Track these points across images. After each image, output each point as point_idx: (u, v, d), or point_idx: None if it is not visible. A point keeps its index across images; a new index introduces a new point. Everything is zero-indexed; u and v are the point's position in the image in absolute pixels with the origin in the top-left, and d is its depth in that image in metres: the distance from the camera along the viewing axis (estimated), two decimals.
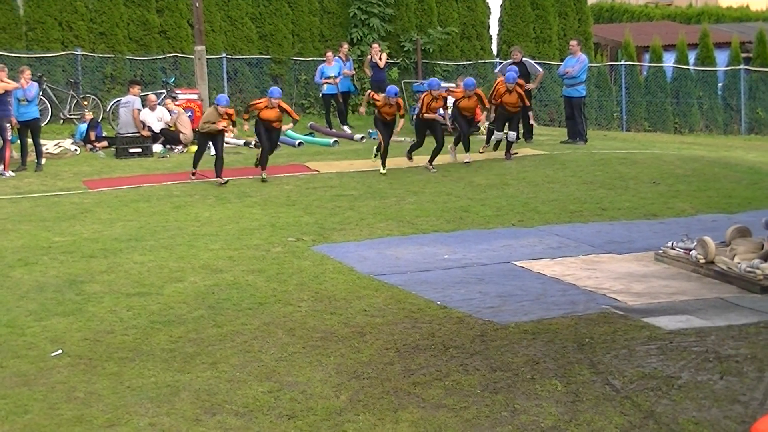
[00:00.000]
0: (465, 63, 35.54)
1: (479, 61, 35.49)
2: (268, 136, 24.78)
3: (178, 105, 28.91)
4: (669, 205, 20.79)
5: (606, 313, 14.37)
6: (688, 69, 38.23)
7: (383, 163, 24.95)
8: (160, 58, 32.87)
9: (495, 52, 36.70)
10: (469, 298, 15.12)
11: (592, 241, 18.20)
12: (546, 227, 19.25)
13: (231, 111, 24.68)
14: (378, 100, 25.55)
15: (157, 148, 27.71)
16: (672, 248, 16.98)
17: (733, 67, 38.50)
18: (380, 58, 31.69)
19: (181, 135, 28.16)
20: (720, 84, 38.44)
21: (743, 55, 39.20)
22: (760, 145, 33.72)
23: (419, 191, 22.14)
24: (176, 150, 27.92)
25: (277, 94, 24.78)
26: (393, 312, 14.55)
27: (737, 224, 17.49)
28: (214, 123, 24.19)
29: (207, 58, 30.90)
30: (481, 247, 17.80)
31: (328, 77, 30.90)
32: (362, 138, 29.76)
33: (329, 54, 31.42)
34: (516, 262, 16.92)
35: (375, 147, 26.12)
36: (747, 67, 38.39)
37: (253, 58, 34.04)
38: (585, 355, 12.88)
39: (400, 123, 25.79)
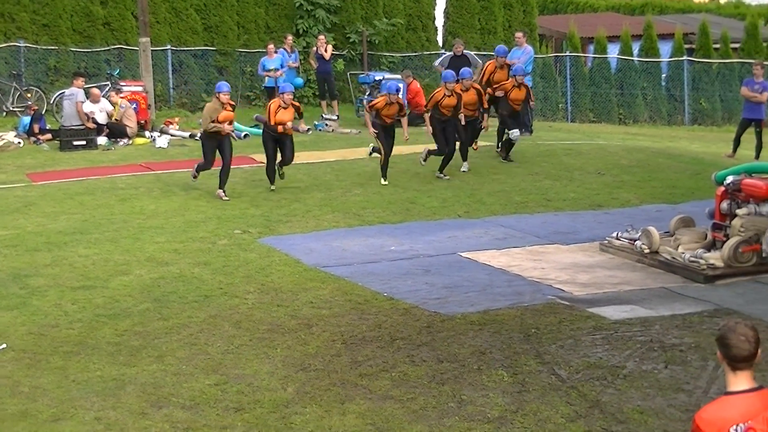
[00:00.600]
0: (411, 54, 35.62)
1: (425, 53, 35.55)
2: (280, 146, 22.25)
3: (122, 97, 28.68)
4: (614, 196, 20.94)
5: (552, 303, 14.47)
6: (632, 60, 38.47)
7: (384, 174, 22.82)
8: (104, 50, 32.70)
9: (441, 43, 36.76)
10: (416, 289, 15.18)
11: (537, 231, 18.29)
12: (492, 218, 19.33)
13: (232, 102, 21.96)
14: (377, 103, 22.94)
15: (101, 140, 27.53)
16: (617, 239, 17.10)
17: (676, 59, 38.77)
18: (326, 50, 31.61)
19: (127, 128, 28.00)
20: (664, 75, 38.71)
21: (686, 46, 39.48)
22: (703, 136, 34.00)
23: (365, 183, 22.18)
24: (121, 143, 27.75)
25: (290, 89, 22.68)
26: (339, 304, 14.58)
27: (681, 214, 17.64)
28: (219, 123, 21.18)
29: (152, 50, 30.64)
30: (427, 239, 17.86)
31: (269, 70, 30.79)
32: (308, 130, 29.73)
33: (270, 46, 31.26)
34: (462, 254, 16.99)
35: (371, 145, 23.74)
36: (690, 58, 38.68)
37: (198, 49, 33.95)
38: (531, 346, 12.96)
39: (405, 125, 23.76)
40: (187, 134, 28.79)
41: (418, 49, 35.93)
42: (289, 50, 31.56)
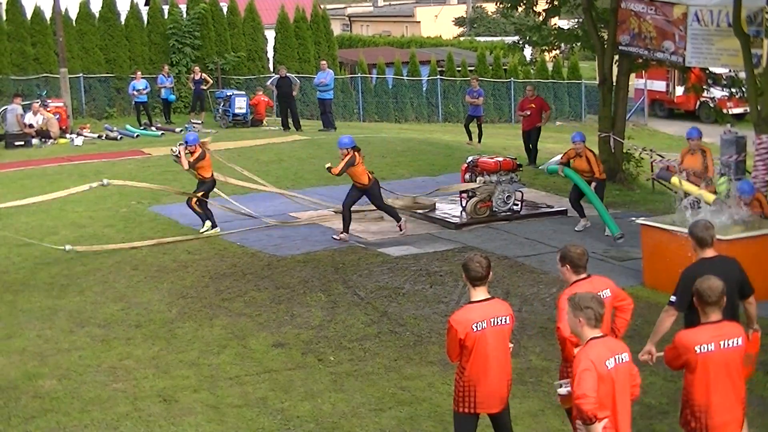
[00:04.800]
0: (251, 77, 35.27)
1: (260, 76, 35.21)
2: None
3: (48, 111, 28.05)
4: (393, 172, 21.06)
5: (353, 246, 14.57)
6: (403, 78, 38.71)
7: None
8: (34, 78, 31.78)
9: (271, 69, 36.47)
10: (260, 239, 15.14)
11: (341, 197, 18.23)
12: (310, 189, 19.30)
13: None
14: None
15: (35, 141, 26.85)
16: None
17: (432, 77, 39.17)
18: (202, 77, 31.13)
19: (51, 132, 27.29)
20: (424, 88, 39.05)
21: (439, 69, 39.90)
22: (451, 129, 34.46)
23: (222, 167, 21.85)
24: (49, 143, 27.00)
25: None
26: (206, 250, 14.49)
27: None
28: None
29: (68, 77, 30.18)
30: (266, 204, 17.76)
31: (137, 90, 30.13)
32: (181, 130, 29.27)
33: (138, 73, 30.68)
34: (291, 213, 16.95)
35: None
36: (441, 77, 39.12)
37: (102, 76, 33.12)
38: (339, 276, 13.06)
39: None
40: (96, 135, 28.23)
41: (256, 73, 35.56)
42: (166, 75, 30.99)
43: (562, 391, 6.48)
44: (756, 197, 12.87)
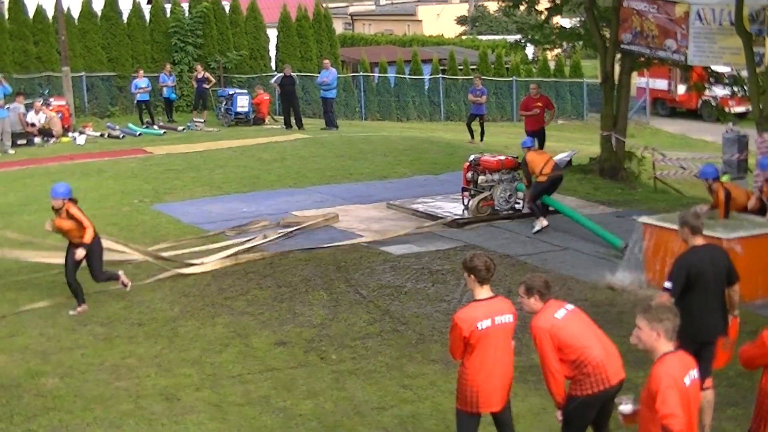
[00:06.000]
0: (253, 75, 35.25)
1: (263, 74, 35.20)
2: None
3: (51, 110, 28.08)
4: (395, 170, 21.06)
5: (355, 244, 14.56)
6: (405, 77, 38.69)
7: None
8: (37, 76, 31.78)
9: (273, 67, 36.46)
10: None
11: (343, 196, 18.34)
12: (312, 187, 19.29)
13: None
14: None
15: (37, 140, 26.85)
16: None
17: (434, 76, 39.15)
18: (204, 75, 31.11)
19: (53, 130, 27.32)
20: (426, 87, 39.02)
21: (441, 67, 39.88)
22: (453, 128, 34.44)
23: (224, 165, 21.87)
24: (51, 141, 27.03)
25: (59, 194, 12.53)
26: None
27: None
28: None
29: (71, 76, 30.20)
30: (268, 203, 17.76)
31: (140, 88, 30.11)
32: (183, 129, 29.24)
33: (140, 71, 30.68)
34: (293, 212, 16.93)
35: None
36: (443, 75, 39.10)
37: (104, 75, 33.13)
38: (342, 274, 13.06)
39: None
40: (98, 134, 28.24)
41: (258, 71, 35.56)
42: (168, 74, 30.98)
43: (626, 409, 5.98)
44: (718, 184, 12.57)
